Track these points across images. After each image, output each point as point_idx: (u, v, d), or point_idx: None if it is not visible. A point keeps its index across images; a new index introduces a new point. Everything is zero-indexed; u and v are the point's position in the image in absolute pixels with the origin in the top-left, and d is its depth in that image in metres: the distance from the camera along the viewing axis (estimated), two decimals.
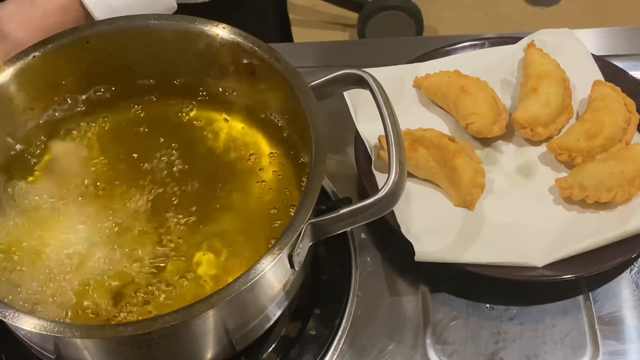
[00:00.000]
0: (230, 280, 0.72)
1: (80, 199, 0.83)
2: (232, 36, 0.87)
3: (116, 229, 0.81)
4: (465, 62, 1.09)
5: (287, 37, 1.49)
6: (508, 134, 1.03)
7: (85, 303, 0.76)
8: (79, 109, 0.90)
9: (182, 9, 1.00)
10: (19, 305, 0.75)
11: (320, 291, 0.93)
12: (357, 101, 1.02)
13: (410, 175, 0.98)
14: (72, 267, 0.78)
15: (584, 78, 1.07)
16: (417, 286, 0.94)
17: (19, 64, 0.85)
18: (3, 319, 0.68)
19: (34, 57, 0.86)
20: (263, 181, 0.85)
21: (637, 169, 0.95)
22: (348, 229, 0.81)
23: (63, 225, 0.81)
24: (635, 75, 1.07)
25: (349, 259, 0.95)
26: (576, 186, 0.94)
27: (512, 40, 1.12)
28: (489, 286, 0.93)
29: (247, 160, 0.87)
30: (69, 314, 0.75)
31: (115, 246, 0.80)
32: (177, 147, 0.88)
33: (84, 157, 0.87)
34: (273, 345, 0.89)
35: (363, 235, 0.98)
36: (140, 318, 0.75)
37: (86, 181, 0.85)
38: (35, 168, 0.86)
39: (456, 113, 1.04)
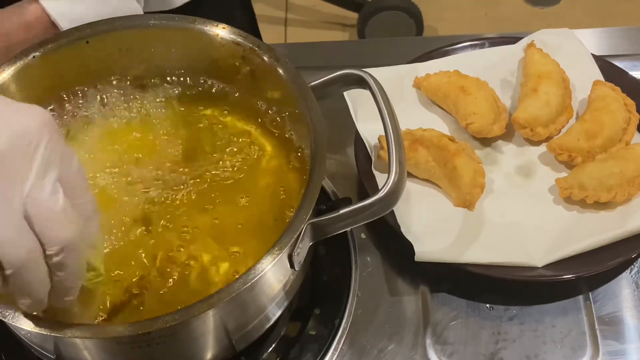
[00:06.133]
0: (229, 279, 0.72)
1: None
2: (232, 36, 0.87)
3: (113, 229, 0.81)
4: (465, 62, 1.09)
5: (254, 33, 1.45)
6: (508, 134, 1.03)
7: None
8: (78, 109, 0.90)
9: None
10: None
11: (320, 291, 0.93)
12: (357, 101, 1.02)
13: (410, 175, 0.98)
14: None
15: (584, 78, 1.07)
16: (417, 286, 0.94)
17: (19, 64, 0.85)
18: (3, 319, 0.68)
19: (34, 57, 0.86)
20: (262, 181, 0.85)
21: (637, 169, 0.95)
22: (348, 229, 0.81)
23: None
24: (635, 75, 1.07)
25: (349, 259, 0.95)
26: (576, 186, 0.94)
27: (512, 40, 1.12)
28: (489, 286, 0.93)
29: (246, 160, 0.87)
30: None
31: (115, 244, 0.80)
32: (175, 146, 0.88)
33: (84, 157, 0.87)
34: (273, 345, 0.89)
35: (363, 235, 0.98)
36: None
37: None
38: None
39: (456, 113, 1.04)
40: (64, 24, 0.93)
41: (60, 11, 0.93)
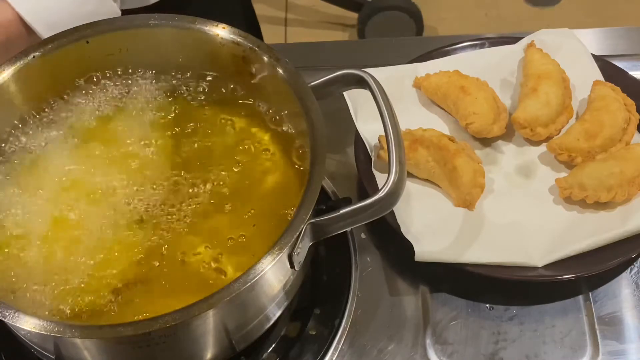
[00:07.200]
0: (228, 279, 0.72)
1: (80, 197, 0.83)
2: (231, 36, 0.87)
3: (110, 229, 0.81)
4: (465, 62, 1.09)
5: (255, 32, 1.44)
6: (508, 134, 1.03)
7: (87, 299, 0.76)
8: (78, 109, 0.90)
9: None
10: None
11: (320, 291, 0.93)
12: (357, 101, 1.02)
13: (410, 175, 0.98)
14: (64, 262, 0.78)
15: (584, 78, 1.07)
16: (417, 286, 0.94)
17: (19, 64, 0.85)
18: (3, 319, 0.68)
19: (34, 57, 0.86)
20: (262, 180, 0.85)
21: (637, 169, 0.95)
22: (348, 229, 0.81)
23: (63, 228, 0.81)
24: (635, 75, 1.07)
25: (349, 259, 0.95)
26: (576, 186, 0.95)
27: (512, 40, 1.12)
28: (489, 286, 0.93)
29: (246, 159, 0.87)
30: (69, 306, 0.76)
31: (112, 242, 0.80)
32: (175, 145, 0.88)
33: (84, 157, 0.87)
34: (273, 345, 0.89)
35: (363, 235, 0.98)
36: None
37: (86, 180, 0.85)
38: (34, 168, 0.86)
39: (456, 113, 1.04)
40: (41, 29, 0.93)
41: (35, 17, 0.93)
